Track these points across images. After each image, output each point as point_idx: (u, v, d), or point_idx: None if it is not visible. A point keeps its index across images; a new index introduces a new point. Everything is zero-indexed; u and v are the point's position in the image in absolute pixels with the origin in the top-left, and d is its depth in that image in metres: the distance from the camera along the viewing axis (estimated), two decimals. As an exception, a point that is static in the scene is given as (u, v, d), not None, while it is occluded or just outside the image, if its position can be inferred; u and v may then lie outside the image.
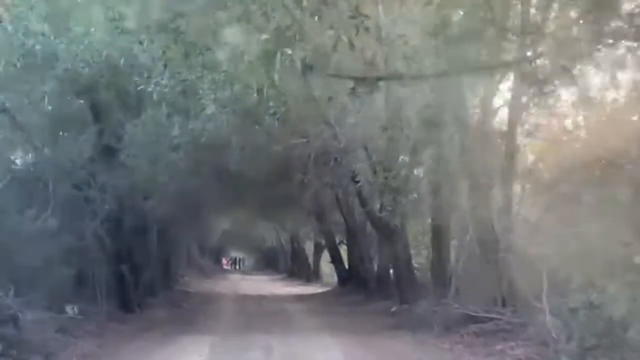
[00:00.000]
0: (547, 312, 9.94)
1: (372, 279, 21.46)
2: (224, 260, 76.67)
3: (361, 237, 22.60)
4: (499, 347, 10.22)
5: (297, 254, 43.28)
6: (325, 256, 36.91)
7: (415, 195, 18.71)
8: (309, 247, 41.42)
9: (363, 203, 18.57)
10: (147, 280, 19.02)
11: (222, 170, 19.16)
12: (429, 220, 18.14)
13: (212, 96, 10.20)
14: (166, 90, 9.84)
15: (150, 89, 10.31)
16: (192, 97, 10.66)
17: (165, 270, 25.25)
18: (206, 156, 15.31)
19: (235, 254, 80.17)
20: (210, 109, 10.54)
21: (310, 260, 40.26)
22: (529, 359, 8.98)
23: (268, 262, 63.37)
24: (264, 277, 47.66)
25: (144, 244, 18.25)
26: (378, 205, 18.71)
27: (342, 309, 19.37)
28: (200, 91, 10.35)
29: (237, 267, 77.32)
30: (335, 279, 31.03)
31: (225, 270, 62.27)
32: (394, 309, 17.45)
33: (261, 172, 19.71)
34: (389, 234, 17.79)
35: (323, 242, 37.56)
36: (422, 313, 14.69)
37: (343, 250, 29.28)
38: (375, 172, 17.12)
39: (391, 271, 21.09)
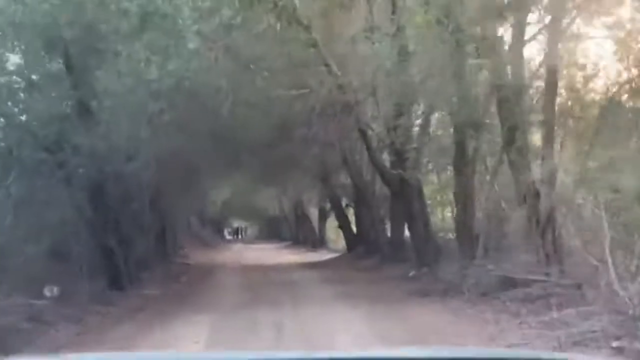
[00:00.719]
0: (612, 270, 8.21)
1: (385, 243, 19.75)
2: (226, 230, 75.38)
3: (370, 199, 20.82)
4: (555, 315, 8.47)
5: (301, 220, 41.55)
6: (331, 222, 35.29)
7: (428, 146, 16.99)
8: (313, 213, 39.70)
9: (373, 158, 16.76)
10: (139, 254, 17.34)
11: (214, 124, 17.32)
12: (449, 173, 16.44)
13: (194, 27, 8.28)
14: (137, 20, 7.91)
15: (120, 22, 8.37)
16: (171, 31, 8.74)
17: (160, 241, 23.59)
18: (193, 107, 13.41)
19: (237, 223, 78.71)
20: (193, 44, 8.64)
21: (315, 226, 38.57)
22: (606, 332, 7.17)
23: (271, 231, 61.79)
24: (268, 246, 46.07)
25: (134, 214, 16.50)
26: (389, 161, 17.04)
27: (356, 275, 17.71)
28: (180, 21, 8.42)
29: (240, 236, 75.85)
30: (342, 244, 29.40)
31: (228, 241, 60.76)
32: (412, 273, 15.79)
33: (259, 128, 17.93)
34: (402, 191, 16.05)
35: (328, 207, 35.96)
36: (449, 277, 13.05)
37: (350, 215, 27.55)
38: (385, 123, 15.36)
39: (406, 233, 19.45)
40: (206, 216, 52.37)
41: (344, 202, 27.38)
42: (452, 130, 14.79)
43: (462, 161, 13.59)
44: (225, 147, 21.30)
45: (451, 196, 17.30)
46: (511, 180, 12.37)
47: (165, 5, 7.94)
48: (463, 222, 13.74)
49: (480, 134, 13.73)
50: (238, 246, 48.62)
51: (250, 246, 48.09)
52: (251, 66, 12.21)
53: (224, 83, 12.41)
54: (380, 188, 21.94)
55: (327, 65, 14.43)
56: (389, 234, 20.63)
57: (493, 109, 13.36)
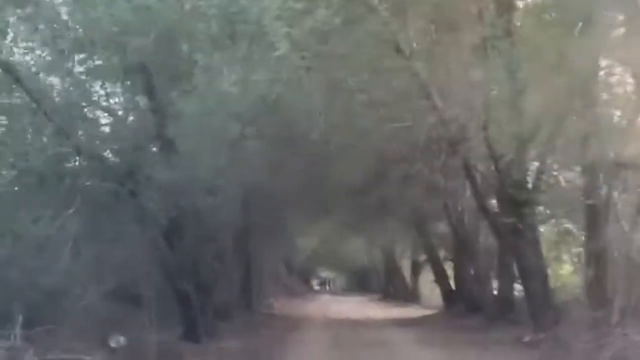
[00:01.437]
0: None
1: (490, 301, 17.40)
2: (313, 281, 73.80)
3: (473, 250, 18.61)
4: None
5: (392, 273, 39.31)
6: (425, 276, 33.00)
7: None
8: (405, 266, 37.46)
9: (480, 204, 14.73)
10: (219, 301, 15.94)
11: (303, 157, 15.93)
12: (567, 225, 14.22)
13: (284, 29, 6.86)
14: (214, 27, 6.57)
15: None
16: (257, 35, 7.37)
17: (244, 289, 22.24)
18: (281, 133, 12.04)
19: (325, 273, 76.98)
20: (282, 49, 7.22)
21: (408, 279, 36.29)
22: None
23: (360, 283, 59.68)
24: (356, 299, 43.98)
25: (214, 256, 15.13)
26: (498, 208, 15.02)
27: (458, 337, 15.51)
28: (267, 23, 7.02)
29: (327, 287, 74.00)
30: (436, 301, 27.04)
31: (315, 291, 59.05)
32: (527, 338, 13.51)
33: (353, 163, 16.31)
34: (515, 242, 13.94)
35: (422, 259, 33.71)
36: (579, 345, 10.79)
37: (448, 268, 25.30)
38: (496, 164, 13.43)
39: (515, 292, 17.16)
40: (294, 265, 51.05)
41: (441, 254, 25.18)
42: (578, 171, 12.67)
43: (594, 209, 11.38)
44: (314, 185, 19.84)
45: (569, 250, 15.11)
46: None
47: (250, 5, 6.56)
48: (596, 281, 11.44)
49: (615, 176, 11.55)
50: (325, 297, 46.83)
51: (338, 298, 46.15)
52: (349, 82, 10.59)
53: (316, 102, 11.04)
54: (484, 239, 19.78)
55: (429, 97, 12.81)
56: (494, 291, 18.27)
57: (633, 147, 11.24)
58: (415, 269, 34.63)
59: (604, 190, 11.78)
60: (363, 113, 13.55)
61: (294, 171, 18.34)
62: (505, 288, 17.06)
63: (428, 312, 25.79)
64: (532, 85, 12.70)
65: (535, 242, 14.05)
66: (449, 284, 24.17)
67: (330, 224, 31.58)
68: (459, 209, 17.97)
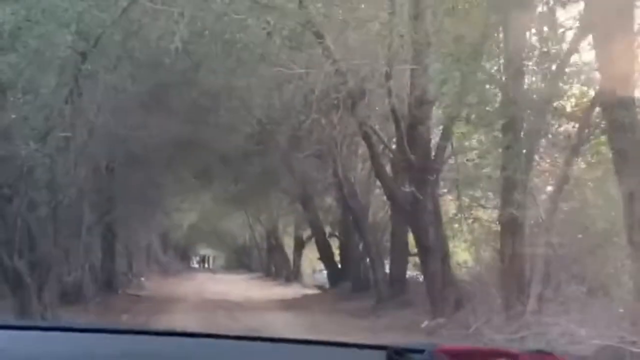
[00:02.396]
0: None
1: (380, 280, 15.80)
2: (193, 258, 70.80)
3: (362, 225, 16.92)
4: None
5: (274, 250, 37.43)
6: (309, 253, 31.41)
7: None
8: (288, 243, 35.67)
9: (379, 171, 13.01)
10: (68, 281, 13.32)
11: (177, 114, 13.65)
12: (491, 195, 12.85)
13: None
14: None
15: None
16: None
17: (104, 267, 19.51)
18: (146, 70, 9.70)
19: (204, 251, 74.08)
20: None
21: (290, 257, 34.53)
22: None
23: (241, 261, 57.49)
24: (236, 277, 41.77)
25: (61, 225, 12.42)
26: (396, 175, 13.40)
27: (347, 322, 13.79)
28: None
29: (207, 265, 71.25)
30: (318, 278, 25.44)
31: (193, 269, 56.20)
32: (425, 323, 12.03)
33: (231, 122, 14.11)
34: (414, 215, 12.36)
35: (305, 235, 32.04)
36: (487, 332, 9.32)
37: (334, 245, 23.73)
38: (397, 124, 11.74)
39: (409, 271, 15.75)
40: (170, 241, 48.04)
41: (327, 230, 23.51)
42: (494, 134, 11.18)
43: (513, 172, 9.85)
44: (189, 148, 17.46)
45: (470, 225, 13.75)
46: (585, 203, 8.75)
47: None
48: (510, 260, 9.97)
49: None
50: (203, 276, 44.19)
51: (217, 277, 43.69)
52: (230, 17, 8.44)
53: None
54: (375, 213, 18.25)
55: (321, 42, 10.83)
56: (386, 270, 16.72)
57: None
58: (299, 245, 32.86)
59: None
60: (246, 59, 11.39)
61: (165, 127, 15.95)
62: (398, 266, 15.56)
63: (312, 291, 24.14)
64: (437, 38, 11.10)
65: (437, 215, 12.55)
66: (334, 262, 22.57)
67: (208, 196, 29.25)
68: (352, 178, 16.20)
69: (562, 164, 9.95)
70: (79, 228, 13.79)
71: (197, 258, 74.16)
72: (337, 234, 23.02)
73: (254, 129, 14.97)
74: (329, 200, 22.05)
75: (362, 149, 16.61)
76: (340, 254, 22.33)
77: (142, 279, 30.16)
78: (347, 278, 21.36)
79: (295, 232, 32.42)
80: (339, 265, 22.44)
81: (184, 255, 56.76)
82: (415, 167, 11.95)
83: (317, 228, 22.66)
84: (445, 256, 12.53)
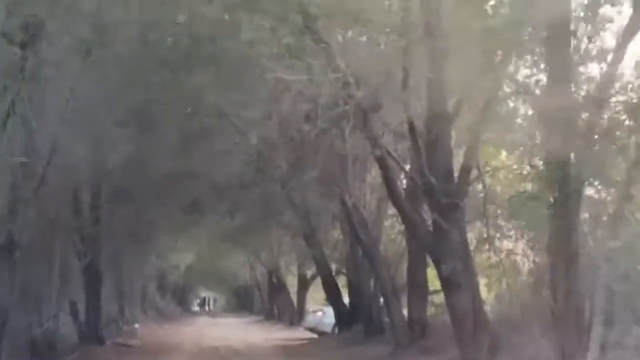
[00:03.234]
0: None
1: (398, 322, 13.89)
2: (193, 301, 68.57)
3: (376, 260, 15.04)
4: None
5: (276, 291, 35.47)
6: (315, 293, 29.53)
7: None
8: (291, 283, 33.72)
9: (395, 198, 11.23)
10: (41, 333, 11.51)
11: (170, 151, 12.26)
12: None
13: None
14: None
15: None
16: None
17: (93, 315, 17.64)
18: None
19: (205, 293, 71.79)
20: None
21: (294, 298, 32.57)
22: None
23: (242, 302, 55.40)
24: (237, 320, 39.75)
25: (24, 274, 10.63)
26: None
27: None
28: None
29: (208, 308, 68.96)
30: (328, 322, 23.43)
31: (194, 313, 53.99)
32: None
33: (227, 155, 12.56)
34: (439, 248, 10.60)
35: (309, 274, 30.15)
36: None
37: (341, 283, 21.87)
38: (415, 141, 10.11)
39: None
40: (168, 284, 46.03)
41: (333, 267, 21.65)
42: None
43: (565, 195, 8.06)
44: (182, 182, 15.86)
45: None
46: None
47: None
48: (563, 297, 8.14)
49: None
50: (203, 320, 42.12)
51: (218, 320, 41.61)
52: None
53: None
54: (386, 246, 16.48)
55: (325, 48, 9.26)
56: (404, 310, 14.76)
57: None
58: (303, 285, 31.00)
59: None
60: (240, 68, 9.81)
61: (155, 160, 14.47)
62: (418, 306, 13.68)
63: (318, 336, 22.21)
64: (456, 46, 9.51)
65: (464, 246, 10.78)
66: (342, 302, 20.65)
67: (205, 235, 27.50)
68: (361, 207, 14.41)
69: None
70: (50, 272, 12.01)
71: (198, 301, 71.95)
72: (344, 271, 21.18)
73: (249, 152, 13.33)
74: (335, 233, 20.28)
75: (372, 172, 15.00)
76: (349, 293, 20.44)
77: (136, 325, 28.15)
78: (358, 320, 19.45)
79: (298, 271, 30.55)
80: (348, 306, 20.53)
81: (183, 299, 54.55)
82: (437, 192, 10.22)
83: (322, 265, 20.80)
84: (475, 293, 10.72)
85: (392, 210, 17.47)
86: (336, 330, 20.83)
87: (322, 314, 24.58)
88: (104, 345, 17.44)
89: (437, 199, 10.28)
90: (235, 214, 15.49)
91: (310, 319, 26.88)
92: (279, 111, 10.54)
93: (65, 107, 9.23)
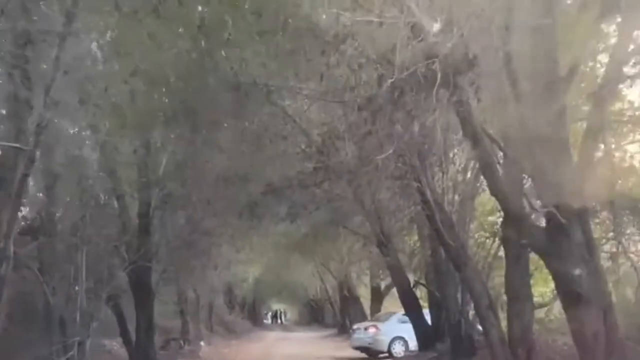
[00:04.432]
0: None
1: (499, 341, 11.24)
2: (266, 314, 67.16)
3: (466, 268, 12.41)
4: None
5: (348, 303, 33.12)
6: (390, 305, 27.00)
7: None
8: (363, 294, 31.35)
9: (493, 184, 8.76)
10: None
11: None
12: None
13: None
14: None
15: None
16: None
17: (142, 336, 15.87)
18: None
19: (277, 306, 70.21)
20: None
21: (367, 311, 30.13)
22: None
23: (314, 315, 53.29)
24: (309, 335, 37.57)
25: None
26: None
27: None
28: None
29: (280, 321, 67.36)
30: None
31: (264, 326, 52.26)
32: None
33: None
34: (556, 251, 8.11)
35: (383, 285, 27.74)
36: None
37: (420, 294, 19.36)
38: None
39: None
40: (236, 298, 44.41)
41: (411, 278, 19.12)
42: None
43: None
44: (237, 190, 13.97)
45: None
46: None
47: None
48: None
49: None
50: (273, 335, 40.17)
51: (288, 335, 39.56)
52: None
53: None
54: (473, 254, 13.91)
55: None
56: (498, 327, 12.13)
57: None
58: (376, 297, 28.52)
59: None
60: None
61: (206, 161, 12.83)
62: (520, 323, 11.00)
63: (398, 354, 19.75)
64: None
65: (590, 247, 8.23)
66: (422, 317, 18.10)
67: (270, 244, 25.55)
68: (445, 203, 11.90)
69: None
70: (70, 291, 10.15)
71: (270, 313, 70.47)
72: (423, 281, 18.65)
73: (310, 143, 11.22)
74: (412, 239, 17.85)
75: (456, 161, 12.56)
76: (430, 307, 17.89)
77: (202, 343, 26.47)
78: (441, 337, 16.93)
79: (371, 282, 28.14)
80: (429, 322, 17.98)
81: (253, 312, 52.90)
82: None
83: (398, 275, 18.31)
84: (608, 307, 8.13)
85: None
86: (416, 349, 18.32)
87: (375, 330, 20.91)
88: (155, 368, 15.61)
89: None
90: (296, 218, 13.25)
91: (358, 337, 21.81)
92: (340, 75, 8.25)
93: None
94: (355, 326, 23.21)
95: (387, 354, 20.30)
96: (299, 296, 49.45)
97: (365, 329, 21.27)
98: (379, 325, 20.97)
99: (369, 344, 20.79)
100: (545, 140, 7.54)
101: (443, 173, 12.55)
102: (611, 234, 9.46)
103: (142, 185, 15.81)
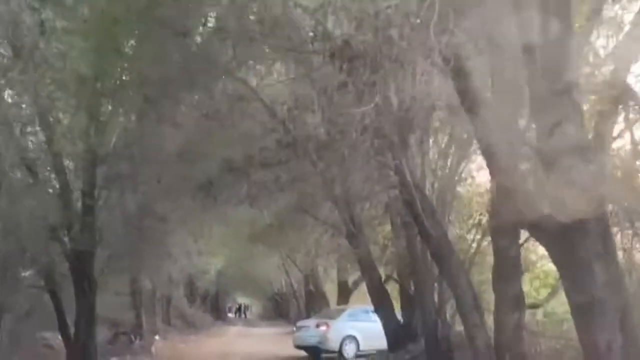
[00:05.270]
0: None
1: (485, 349, 9.82)
2: (228, 308, 65.34)
3: (450, 263, 10.87)
4: None
5: (314, 299, 31.57)
6: (358, 298, 25.54)
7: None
8: (330, 290, 29.79)
9: (491, 162, 7.29)
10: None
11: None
12: None
13: None
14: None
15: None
16: None
17: (82, 330, 14.15)
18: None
19: (242, 300, 68.41)
20: None
21: (334, 307, 28.60)
22: None
23: (278, 310, 51.79)
24: (273, 330, 36.04)
25: None
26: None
27: None
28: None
29: (244, 315, 65.64)
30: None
31: (228, 321, 50.56)
32: None
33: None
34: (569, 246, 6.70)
35: (351, 280, 26.29)
36: None
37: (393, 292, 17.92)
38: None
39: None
40: (197, 291, 42.59)
41: (382, 272, 17.65)
42: None
43: None
44: (193, 169, 12.42)
45: None
46: None
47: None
48: None
49: None
50: (235, 330, 38.59)
51: (251, 330, 37.97)
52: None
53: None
54: (456, 245, 12.44)
55: None
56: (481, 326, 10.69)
57: None
58: (343, 292, 27.02)
59: None
60: None
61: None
62: (510, 329, 9.58)
63: (365, 353, 18.29)
64: None
65: (608, 243, 6.82)
66: (393, 315, 16.67)
67: (232, 235, 23.98)
68: (427, 187, 10.39)
69: None
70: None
71: (233, 308, 68.74)
72: (395, 276, 17.24)
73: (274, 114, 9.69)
74: (386, 229, 16.42)
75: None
76: (402, 304, 16.48)
77: (156, 337, 24.78)
78: (413, 337, 15.55)
79: (338, 276, 26.66)
80: (401, 319, 16.58)
81: (215, 306, 51.10)
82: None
83: (368, 268, 16.82)
84: (626, 312, 6.73)
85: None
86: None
87: (326, 328, 19.24)
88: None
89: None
90: (256, 199, 11.67)
91: (304, 335, 20.10)
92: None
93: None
94: (300, 323, 21.59)
95: (336, 355, 18.78)
96: (263, 290, 47.83)
97: (317, 326, 19.48)
98: (330, 322, 19.29)
99: (318, 342, 19.01)
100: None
101: (424, 154, 11.10)
102: (627, 224, 8.07)
103: (87, 161, 14.14)
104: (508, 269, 9.63)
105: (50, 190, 14.30)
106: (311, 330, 19.50)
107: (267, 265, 32.83)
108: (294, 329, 21.60)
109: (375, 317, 18.25)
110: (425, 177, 11.18)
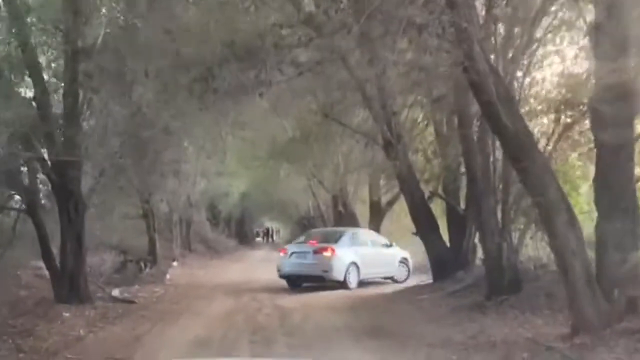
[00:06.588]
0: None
1: (581, 278, 7.15)
2: (255, 231, 63.92)
3: (536, 166, 8.05)
4: None
5: (343, 221, 28.95)
6: (395, 220, 23.11)
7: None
8: (362, 212, 26.97)
9: None
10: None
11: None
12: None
13: None
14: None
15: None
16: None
17: (70, 262, 11.85)
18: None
19: (269, 224, 66.70)
20: None
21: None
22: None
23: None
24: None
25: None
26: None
27: None
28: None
29: (272, 239, 64.15)
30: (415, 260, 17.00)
31: (253, 245, 48.89)
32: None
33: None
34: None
35: (384, 200, 23.66)
36: None
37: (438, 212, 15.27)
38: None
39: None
40: (220, 214, 40.60)
41: (425, 188, 14.88)
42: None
43: None
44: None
45: None
46: None
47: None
48: None
49: None
50: (260, 254, 36.55)
51: (274, 255, 35.78)
52: None
53: None
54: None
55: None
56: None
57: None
58: (376, 213, 24.30)
59: None
60: None
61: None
62: (623, 251, 6.90)
63: (399, 286, 15.78)
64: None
65: None
66: (439, 238, 14.07)
67: (253, 153, 21.51)
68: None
69: None
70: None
71: (262, 231, 67.32)
72: (442, 193, 14.54)
73: None
74: (428, 136, 13.66)
75: None
76: (450, 226, 13.90)
77: (174, 264, 22.78)
78: (463, 265, 13.06)
79: (370, 195, 23.98)
80: (448, 243, 14.03)
81: (240, 230, 49.32)
82: None
83: (409, 183, 14.11)
84: None
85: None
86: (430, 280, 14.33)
87: (331, 254, 15.60)
88: (83, 304, 11.57)
89: None
90: (267, 88, 8.86)
91: (299, 262, 16.06)
92: None
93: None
94: (290, 248, 17.10)
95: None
96: (289, 214, 45.60)
97: (317, 251, 15.62)
98: (335, 247, 15.61)
99: (323, 272, 15.40)
100: None
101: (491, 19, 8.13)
102: None
103: (68, 55, 11.51)
104: (617, 174, 6.87)
105: (21, 91, 11.78)
106: (309, 256, 15.79)
107: (292, 187, 30.36)
108: (281, 254, 17.21)
109: (372, 243, 16.75)
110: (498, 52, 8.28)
